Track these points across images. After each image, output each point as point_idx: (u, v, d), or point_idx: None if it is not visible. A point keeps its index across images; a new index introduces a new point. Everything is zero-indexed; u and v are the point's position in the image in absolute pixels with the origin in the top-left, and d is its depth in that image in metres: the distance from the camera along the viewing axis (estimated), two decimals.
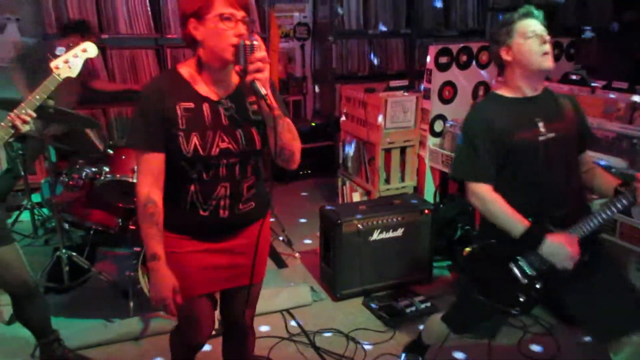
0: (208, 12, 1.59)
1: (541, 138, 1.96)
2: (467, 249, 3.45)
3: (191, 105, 1.68)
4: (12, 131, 2.07)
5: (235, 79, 1.76)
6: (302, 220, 4.51)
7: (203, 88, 1.71)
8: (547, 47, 1.93)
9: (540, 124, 1.98)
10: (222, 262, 1.85)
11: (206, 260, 1.83)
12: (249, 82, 1.57)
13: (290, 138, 1.69)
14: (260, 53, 1.55)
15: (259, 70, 1.55)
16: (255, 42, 1.55)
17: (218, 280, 1.89)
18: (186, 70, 1.72)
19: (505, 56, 2.00)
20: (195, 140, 1.66)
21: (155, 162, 1.69)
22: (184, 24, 1.65)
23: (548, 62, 1.94)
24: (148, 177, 1.70)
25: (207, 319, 2.00)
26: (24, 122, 2.07)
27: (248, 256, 1.86)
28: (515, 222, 1.92)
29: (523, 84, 2.00)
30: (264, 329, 2.99)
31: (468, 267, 2.18)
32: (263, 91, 1.56)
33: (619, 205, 1.88)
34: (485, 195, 1.97)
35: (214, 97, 1.72)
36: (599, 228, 1.96)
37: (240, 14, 1.60)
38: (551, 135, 1.97)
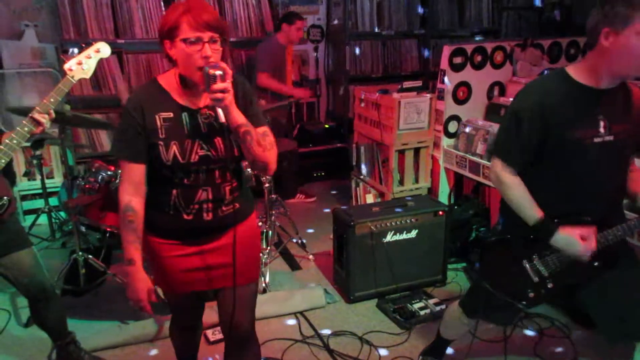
0: (176, 36, 1.67)
1: (596, 140, 1.80)
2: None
3: (170, 115, 1.76)
4: (34, 128, 2.08)
5: None
6: (316, 223, 4.51)
7: (182, 98, 1.78)
8: None
9: (602, 123, 1.81)
10: (208, 263, 1.92)
11: (192, 262, 1.90)
12: (212, 106, 1.67)
13: (260, 150, 1.75)
14: (221, 84, 1.61)
15: (218, 100, 1.62)
16: (217, 72, 1.61)
17: (202, 280, 1.95)
18: (165, 81, 1.80)
19: (604, 40, 1.71)
20: (174, 148, 1.74)
21: (136, 171, 1.78)
22: (160, 42, 1.74)
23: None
24: (129, 185, 1.79)
25: (194, 306, 2.15)
26: (44, 117, 2.09)
27: (235, 255, 1.89)
28: (532, 210, 1.86)
29: (606, 77, 1.78)
30: (290, 322, 2.99)
31: (482, 257, 2.15)
32: (221, 119, 1.66)
33: None
34: (507, 179, 1.89)
35: (192, 107, 1.79)
36: (625, 237, 1.90)
37: (207, 35, 1.65)
38: (609, 138, 1.81)
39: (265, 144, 1.77)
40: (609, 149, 1.82)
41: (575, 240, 1.82)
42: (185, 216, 1.83)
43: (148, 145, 1.76)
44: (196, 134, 1.77)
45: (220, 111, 1.65)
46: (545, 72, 3.96)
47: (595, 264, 1.85)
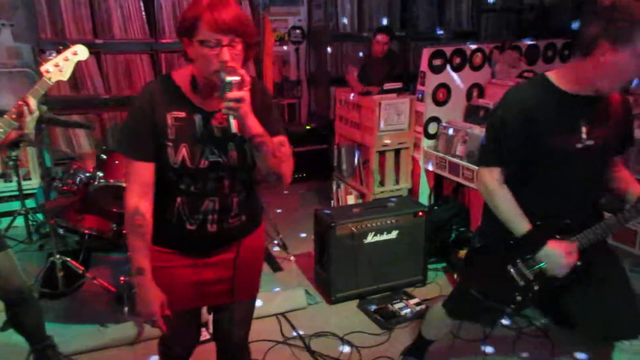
0: (194, 36, 1.54)
1: (578, 145, 1.81)
2: (462, 252, 3.48)
3: (182, 114, 1.63)
4: (8, 129, 2.04)
5: None
6: (297, 224, 4.50)
7: (197, 99, 1.66)
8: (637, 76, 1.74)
9: (583, 129, 1.82)
10: (209, 277, 1.80)
11: (193, 275, 1.78)
12: (226, 114, 1.53)
13: (275, 162, 1.63)
14: (237, 93, 1.49)
15: (231, 109, 1.50)
16: (233, 80, 1.49)
17: (205, 295, 1.83)
18: (181, 78, 1.67)
19: (599, 53, 1.67)
20: (184, 151, 1.62)
21: (144, 171, 1.64)
22: (179, 38, 1.61)
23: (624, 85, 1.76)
24: (137, 187, 1.64)
25: (189, 332, 1.98)
26: (30, 111, 2.05)
27: (238, 270, 1.82)
28: (520, 222, 1.87)
29: (591, 86, 1.77)
30: (271, 323, 2.99)
31: (466, 263, 2.17)
32: (233, 129, 1.52)
33: (631, 220, 1.85)
34: (495, 189, 1.89)
35: (207, 109, 1.66)
36: (605, 236, 1.93)
37: (227, 38, 1.51)
38: (590, 142, 1.82)
39: (281, 155, 1.64)
40: (590, 153, 1.84)
41: (561, 255, 1.85)
42: (188, 226, 1.71)
43: (156, 145, 1.63)
44: (208, 138, 1.64)
45: (232, 120, 1.52)
46: (525, 74, 4.04)
47: (578, 263, 1.87)
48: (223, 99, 1.50)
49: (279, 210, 4.73)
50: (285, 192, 5.21)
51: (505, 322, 3.02)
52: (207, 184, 1.67)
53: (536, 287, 1.97)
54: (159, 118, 1.62)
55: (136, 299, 1.69)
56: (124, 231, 3.30)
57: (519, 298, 1.99)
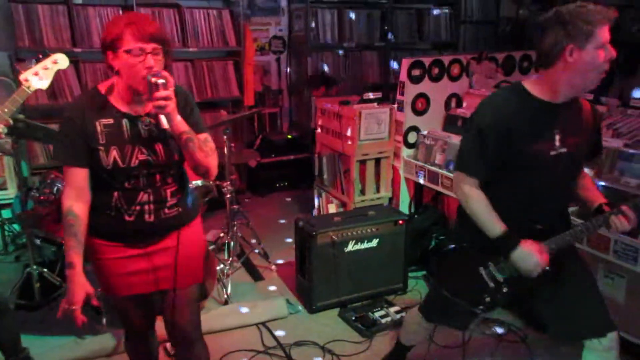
0: (119, 47, 1.71)
1: (552, 153, 1.89)
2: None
3: (110, 121, 1.81)
4: None
5: None
6: (278, 233, 4.50)
7: (123, 105, 1.83)
8: (607, 67, 1.80)
9: (557, 137, 1.90)
10: (148, 266, 1.94)
11: (133, 265, 1.93)
12: (155, 113, 1.73)
13: (202, 156, 1.82)
14: (164, 92, 1.68)
15: (160, 107, 1.69)
16: (160, 81, 1.68)
17: (146, 282, 1.97)
18: (107, 89, 1.84)
19: (568, 56, 1.79)
20: (114, 153, 1.79)
21: (79, 176, 1.81)
22: (103, 53, 1.78)
23: (596, 83, 1.84)
24: (72, 189, 1.82)
25: (139, 310, 2.09)
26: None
27: (179, 257, 1.96)
28: (494, 224, 1.92)
29: (564, 91, 1.86)
30: (252, 333, 2.97)
31: (438, 264, 2.21)
32: (165, 125, 1.72)
33: (594, 229, 1.93)
34: (471, 193, 1.95)
35: (133, 113, 1.84)
36: (573, 242, 2.00)
37: (149, 46, 1.71)
38: (563, 150, 1.90)
39: (206, 149, 1.83)
40: (562, 160, 1.91)
41: (534, 256, 1.89)
42: (127, 217, 1.86)
43: (89, 150, 1.79)
44: (137, 139, 1.82)
45: (163, 118, 1.72)
46: (502, 84, 4.11)
47: (547, 268, 1.92)
48: (151, 99, 1.69)
49: (260, 219, 4.72)
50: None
51: (484, 328, 3.05)
52: (139, 179, 1.85)
53: (505, 290, 2.03)
54: (90, 126, 1.79)
55: (66, 292, 1.83)
56: None
57: (487, 299, 2.04)
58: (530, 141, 1.87)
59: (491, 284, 2.03)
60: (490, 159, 1.91)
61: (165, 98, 1.69)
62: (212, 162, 1.87)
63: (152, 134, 1.84)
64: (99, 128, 1.79)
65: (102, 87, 1.86)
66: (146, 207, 1.87)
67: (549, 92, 1.89)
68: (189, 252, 2.00)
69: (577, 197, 2.10)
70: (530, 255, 1.90)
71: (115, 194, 1.84)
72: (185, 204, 1.98)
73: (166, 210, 1.91)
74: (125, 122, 1.82)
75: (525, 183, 1.94)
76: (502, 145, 1.87)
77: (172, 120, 1.73)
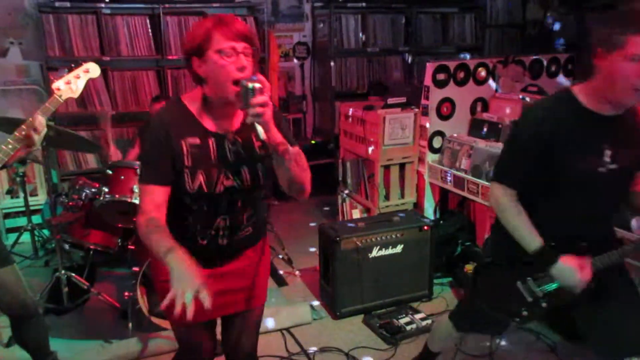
0: (208, 48, 1.56)
1: (601, 169, 1.74)
2: (469, 266, 3.46)
3: (197, 141, 1.65)
4: (18, 146, 2.05)
5: (241, 112, 1.68)
6: (303, 238, 4.50)
7: (209, 122, 1.67)
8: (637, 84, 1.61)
9: (607, 152, 1.73)
10: (219, 288, 1.76)
11: (207, 287, 1.72)
12: (251, 123, 1.53)
13: (298, 171, 1.63)
14: (261, 98, 1.49)
15: (258, 115, 1.50)
16: (256, 85, 1.49)
17: (218, 306, 1.76)
18: (191, 102, 1.68)
19: (597, 60, 1.67)
20: (201, 178, 1.65)
21: (160, 193, 1.64)
22: (188, 62, 1.63)
23: (633, 101, 1.67)
24: (150, 206, 1.63)
25: (205, 344, 1.96)
26: (36, 131, 2.04)
27: (246, 279, 1.86)
28: (531, 238, 1.81)
29: (609, 102, 1.71)
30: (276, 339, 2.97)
31: (475, 277, 2.15)
32: (262, 135, 1.53)
33: None
34: (506, 204, 1.84)
35: (220, 132, 1.68)
36: (620, 261, 1.87)
37: (240, 45, 1.55)
38: (614, 166, 1.74)
39: (302, 163, 1.64)
40: (613, 177, 1.77)
41: (574, 271, 1.79)
42: (200, 241, 1.74)
43: (173, 170, 1.64)
44: (223, 162, 1.67)
45: (259, 128, 1.52)
46: (529, 88, 4.04)
47: (591, 285, 1.82)
48: (247, 106, 1.49)
49: (284, 225, 4.72)
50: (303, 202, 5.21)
51: (512, 337, 2.99)
52: (220, 204, 1.71)
53: (544, 304, 1.94)
54: (175, 144, 1.63)
55: (171, 281, 1.46)
56: (128, 246, 3.31)
57: (525, 313, 1.98)
58: (575, 156, 1.73)
59: (529, 299, 1.95)
60: (529, 171, 1.79)
61: (263, 104, 1.49)
62: (307, 177, 1.67)
63: (239, 155, 1.68)
64: (185, 148, 1.63)
65: (186, 100, 1.68)
66: (221, 232, 1.75)
67: (595, 100, 1.73)
68: (258, 272, 1.90)
69: (632, 205, 1.94)
70: (570, 271, 1.79)
71: (191, 217, 1.71)
72: (256, 225, 1.85)
73: (240, 233, 1.79)
74: (211, 141, 1.66)
75: (570, 199, 1.80)
76: (544, 159, 1.75)
77: (269, 130, 1.53)
